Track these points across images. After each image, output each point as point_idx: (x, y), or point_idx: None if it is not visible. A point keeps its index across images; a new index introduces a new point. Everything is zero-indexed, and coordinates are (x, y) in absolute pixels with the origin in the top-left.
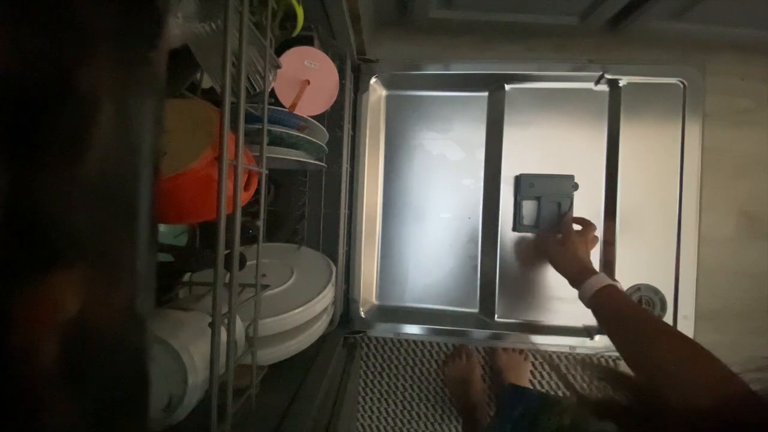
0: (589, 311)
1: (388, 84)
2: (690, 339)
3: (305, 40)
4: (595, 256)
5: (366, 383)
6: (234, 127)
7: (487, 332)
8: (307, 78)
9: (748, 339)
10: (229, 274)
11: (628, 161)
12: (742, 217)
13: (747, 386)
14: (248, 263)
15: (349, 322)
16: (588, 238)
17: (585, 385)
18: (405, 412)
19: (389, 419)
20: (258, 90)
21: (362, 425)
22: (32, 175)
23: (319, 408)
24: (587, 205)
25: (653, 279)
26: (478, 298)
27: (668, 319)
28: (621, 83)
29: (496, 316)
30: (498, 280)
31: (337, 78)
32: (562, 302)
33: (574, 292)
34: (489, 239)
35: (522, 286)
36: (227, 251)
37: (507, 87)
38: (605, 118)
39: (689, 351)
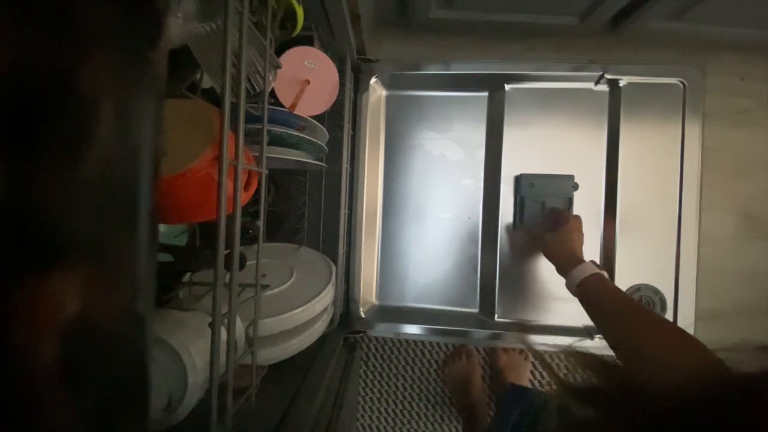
0: None
1: (388, 84)
2: (673, 324)
3: (305, 40)
4: (595, 256)
5: (366, 383)
6: (234, 127)
7: (487, 332)
8: (307, 78)
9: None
10: (229, 274)
11: (628, 161)
12: (742, 217)
13: (723, 364)
14: (248, 263)
15: (349, 322)
16: (580, 228)
17: (570, 375)
18: (405, 412)
19: (389, 419)
20: (258, 90)
21: (362, 425)
22: (32, 176)
23: (319, 408)
24: (587, 205)
25: (653, 279)
26: (478, 298)
27: (668, 318)
28: (621, 83)
29: (496, 316)
30: (498, 280)
31: (337, 78)
32: (562, 302)
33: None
34: (489, 239)
35: (522, 286)
36: (227, 251)
37: (507, 87)
38: (605, 118)
39: (672, 336)
